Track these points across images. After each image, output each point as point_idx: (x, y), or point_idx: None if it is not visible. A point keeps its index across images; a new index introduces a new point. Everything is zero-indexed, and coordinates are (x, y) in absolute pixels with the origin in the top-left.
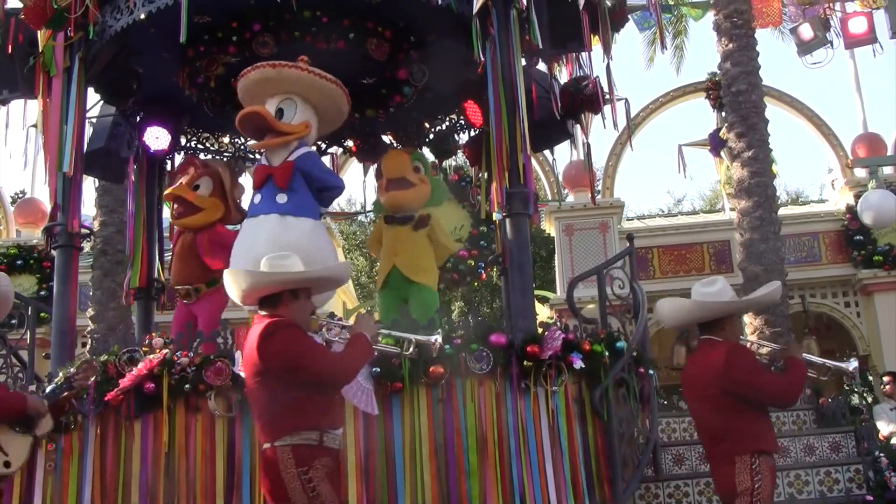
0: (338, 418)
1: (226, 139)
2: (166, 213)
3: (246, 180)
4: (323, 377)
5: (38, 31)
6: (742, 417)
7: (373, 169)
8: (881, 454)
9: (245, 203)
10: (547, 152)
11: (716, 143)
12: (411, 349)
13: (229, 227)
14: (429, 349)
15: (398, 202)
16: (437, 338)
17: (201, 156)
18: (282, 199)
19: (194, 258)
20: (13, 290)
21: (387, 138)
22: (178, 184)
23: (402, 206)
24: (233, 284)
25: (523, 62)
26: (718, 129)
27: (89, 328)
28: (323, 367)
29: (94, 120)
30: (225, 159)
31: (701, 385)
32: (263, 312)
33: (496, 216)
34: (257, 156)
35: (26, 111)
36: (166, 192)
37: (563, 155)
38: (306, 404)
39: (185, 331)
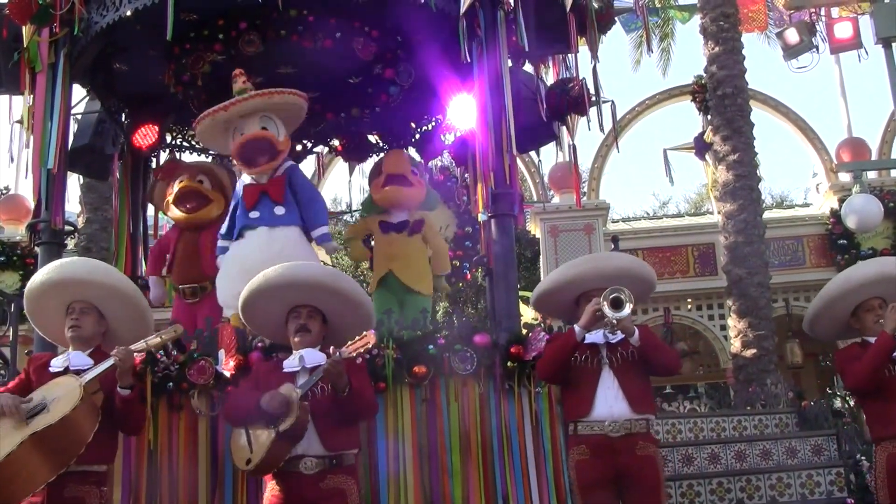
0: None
1: None
2: (150, 211)
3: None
4: None
5: (23, 27)
6: None
7: (359, 168)
8: (862, 457)
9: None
10: (532, 153)
11: (701, 147)
12: None
13: None
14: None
15: (397, 197)
16: None
17: (186, 154)
18: (279, 211)
19: (199, 257)
20: None
21: (372, 138)
22: (180, 180)
23: (400, 202)
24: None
25: (510, 63)
26: (703, 132)
27: None
28: None
29: (79, 116)
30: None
31: None
32: None
33: (481, 217)
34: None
35: (11, 107)
36: (177, 187)
37: (548, 156)
38: None
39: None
